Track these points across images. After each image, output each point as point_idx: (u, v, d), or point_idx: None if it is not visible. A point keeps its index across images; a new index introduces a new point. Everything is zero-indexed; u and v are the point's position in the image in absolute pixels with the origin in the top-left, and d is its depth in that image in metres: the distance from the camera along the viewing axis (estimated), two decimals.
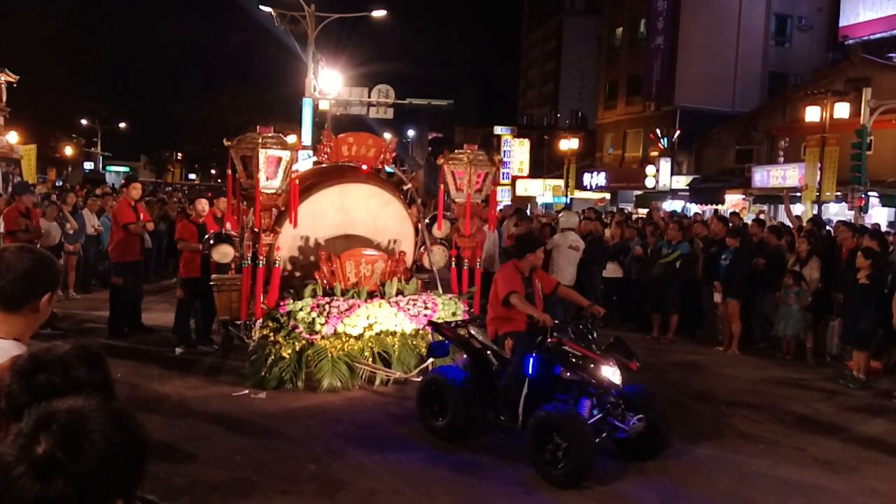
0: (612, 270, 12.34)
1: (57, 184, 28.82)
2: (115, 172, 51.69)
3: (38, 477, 1.20)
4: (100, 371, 1.72)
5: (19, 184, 16.91)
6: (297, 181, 8.18)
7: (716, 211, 23.15)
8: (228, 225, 9.16)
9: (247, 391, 7.51)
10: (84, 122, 51.46)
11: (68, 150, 48.64)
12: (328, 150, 8.68)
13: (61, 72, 39.30)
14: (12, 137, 31.00)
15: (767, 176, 25.20)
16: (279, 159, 7.87)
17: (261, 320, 7.75)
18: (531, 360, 5.91)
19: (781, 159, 26.28)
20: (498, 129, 42.31)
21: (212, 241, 8.54)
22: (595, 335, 6.05)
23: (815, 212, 19.18)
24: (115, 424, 1.28)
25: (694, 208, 26.74)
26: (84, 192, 17.69)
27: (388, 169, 9.45)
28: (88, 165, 53.67)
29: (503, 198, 35.45)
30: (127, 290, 10.02)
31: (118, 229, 10.02)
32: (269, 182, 7.87)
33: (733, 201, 26.21)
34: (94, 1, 60.96)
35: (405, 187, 9.52)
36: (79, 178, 38.25)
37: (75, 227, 12.63)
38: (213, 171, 59.91)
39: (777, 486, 5.74)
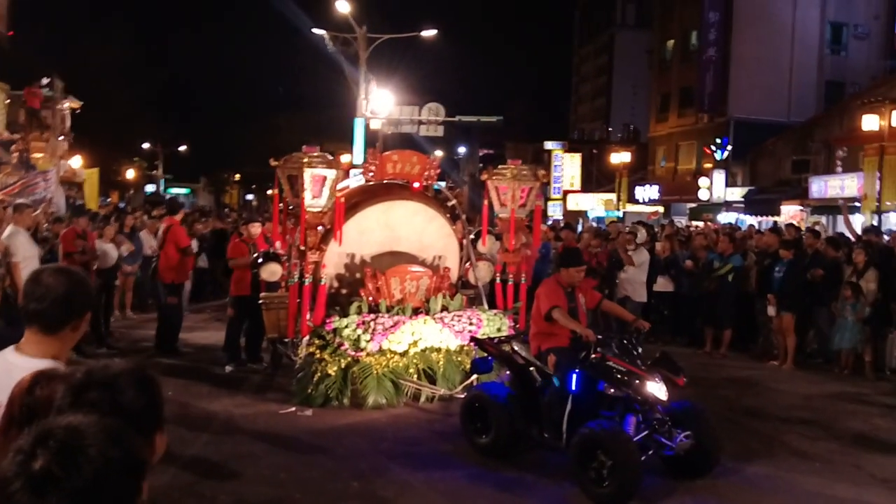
0: (662, 284, 12.16)
1: (120, 205, 29.70)
2: (176, 195, 52.98)
3: (34, 492, 1.21)
4: (146, 395, 1.68)
5: (76, 207, 17.35)
6: (342, 199, 8.28)
7: (774, 223, 22.59)
8: (277, 244, 9.30)
9: (293, 409, 7.56)
10: (146, 145, 52.85)
11: (130, 174, 49.96)
12: (373, 168, 8.79)
13: (123, 97, 40.63)
14: (76, 162, 31.97)
15: (825, 186, 24.49)
16: (324, 178, 8.01)
17: (307, 338, 7.81)
18: (574, 376, 5.82)
19: (839, 169, 25.48)
20: (548, 145, 42.02)
21: (260, 260, 8.68)
22: (640, 350, 5.92)
23: (874, 222, 18.57)
24: (112, 440, 1.29)
25: (748, 220, 26.15)
26: (142, 214, 18.02)
27: (434, 186, 9.50)
28: (150, 188, 55.07)
29: (554, 212, 35.25)
30: (180, 308, 10.36)
31: (174, 252, 10.10)
32: (314, 200, 8.00)
33: (790, 213, 25.54)
34: (154, 28, 63.12)
35: (450, 203, 9.56)
36: (140, 201, 39.33)
37: (131, 248, 12.44)
38: (269, 192, 61.01)
39: None
